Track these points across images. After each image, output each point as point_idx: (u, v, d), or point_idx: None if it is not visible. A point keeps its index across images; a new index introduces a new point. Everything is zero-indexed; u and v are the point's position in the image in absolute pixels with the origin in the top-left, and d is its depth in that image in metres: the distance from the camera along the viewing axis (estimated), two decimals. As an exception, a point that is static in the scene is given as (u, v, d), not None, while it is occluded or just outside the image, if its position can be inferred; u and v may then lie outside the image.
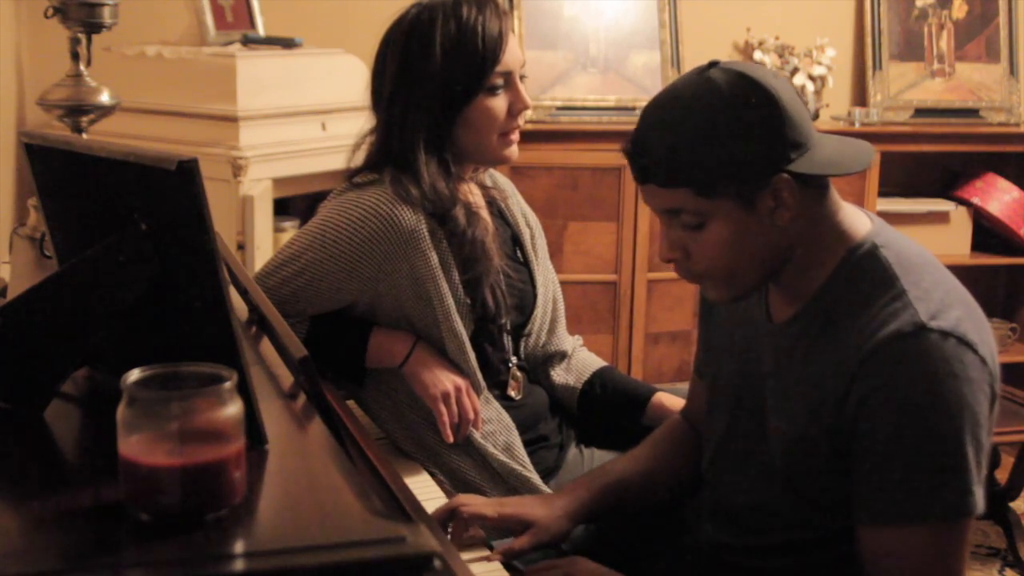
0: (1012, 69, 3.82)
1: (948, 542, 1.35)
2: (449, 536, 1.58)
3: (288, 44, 2.97)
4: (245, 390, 1.05)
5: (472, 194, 1.95)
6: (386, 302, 1.86)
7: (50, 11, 1.91)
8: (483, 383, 1.89)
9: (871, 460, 1.35)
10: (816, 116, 3.63)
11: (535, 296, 2.00)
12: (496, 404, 1.91)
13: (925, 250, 1.46)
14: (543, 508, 1.63)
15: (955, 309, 1.36)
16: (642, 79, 3.54)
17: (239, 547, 0.96)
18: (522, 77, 1.89)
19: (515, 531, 1.62)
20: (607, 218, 3.36)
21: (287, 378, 1.39)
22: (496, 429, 1.88)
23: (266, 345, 1.53)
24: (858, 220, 1.45)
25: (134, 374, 0.97)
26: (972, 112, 3.78)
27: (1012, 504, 3.10)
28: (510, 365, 1.97)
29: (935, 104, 3.77)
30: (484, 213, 1.94)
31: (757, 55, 3.65)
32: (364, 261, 1.81)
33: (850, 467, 1.38)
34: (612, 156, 3.33)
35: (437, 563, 0.92)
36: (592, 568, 1.53)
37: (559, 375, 2.07)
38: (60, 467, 1.13)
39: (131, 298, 1.16)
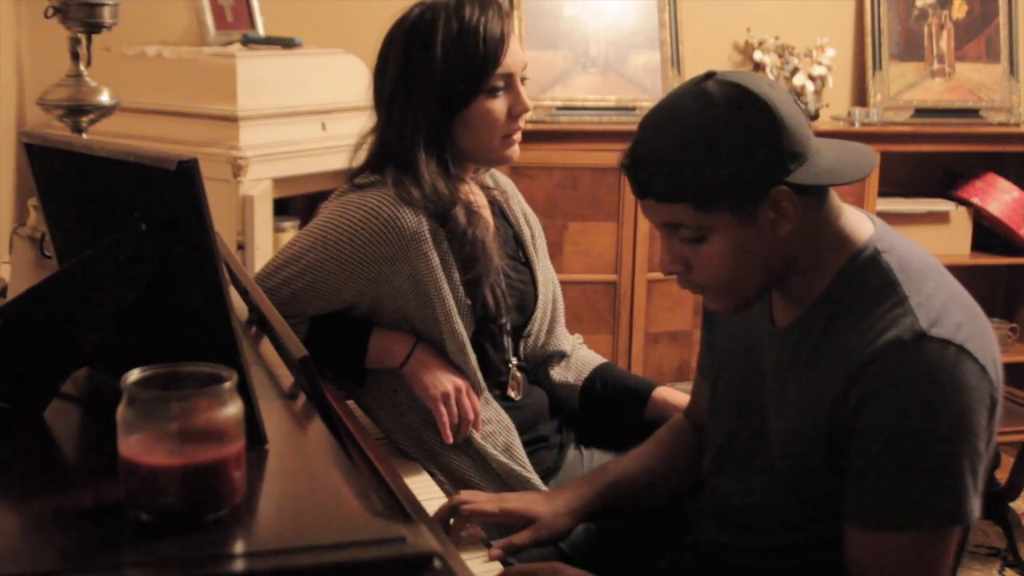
0: (1012, 69, 3.82)
1: (935, 549, 1.34)
2: (447, 533, 1.58)
3: (288, 44, 2.97)
4: (245, 390, 1.05)
5: (473, 194, 1.95)
6: (387, 303, 1.86)
7: (50, 11, 1.91)
8: (483, 384, 1.89)
9: (864, 464, 1.34)
10: (816, 116, 3.63)
11: (536, 296, 2.00)
12: (496, 405, 1.91)
13: (928, 254, 1.46)
14: (545, 505, 1.63)
15: (956, 316, 1.35)
16: (642, 79, 3.54)
17: (239, 547, 0.96)
18: (523, 79, 1.89)
19: (516, 528, 1.61)
20: (607, 218, 3.36)
21: (287, 378, 1.39)
22: (496, 430, 1.88)
23: (266, 345, 1.53)
24: (860, 224, 1.45)
25: (134, 374, 0.98)
26: (972, 112, 3.78)
27: (1012, 504, 3.10)
28: (510, 366, 1.97)
29: (935, 104, 3.77)
30: (485, 213, 1.94)
31: (757, 55, 3.65)
32: (365, 263, 1.81)
33: (843, 469, 1.38)
34: (612, 156, 3.28)
35: (437, 563, 0.92)
36: (573, 574, 1.52)
37: (559, 374, 2.07)
38: (60, 467, 1.13)
39: (131, 298, 1.16)
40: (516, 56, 1.86)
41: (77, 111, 1.92)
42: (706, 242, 1.39)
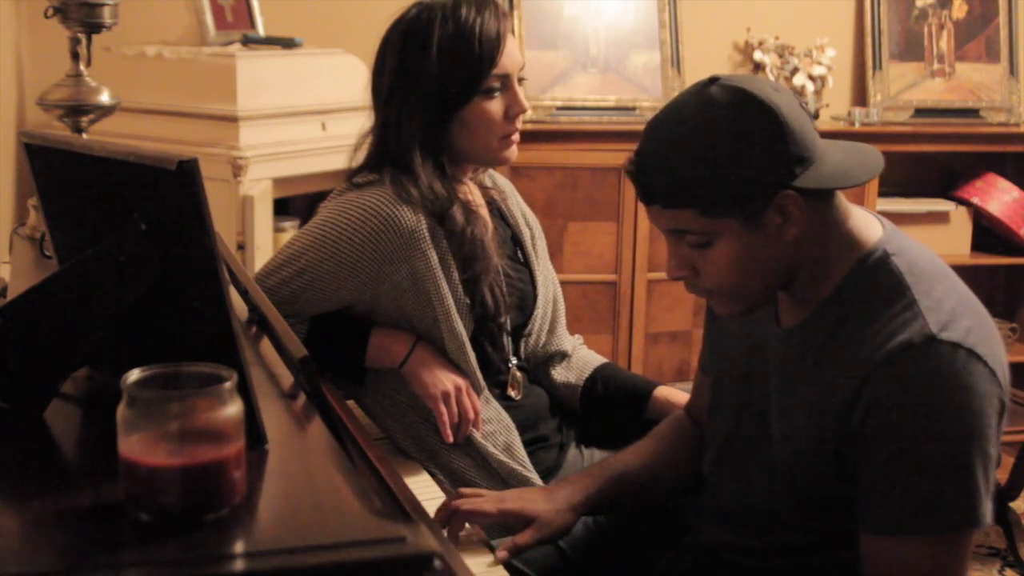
0: (1012, 69, 3.82)
1: (951, 553, 1.35)
2: (446, 533, 1.58)
3: (288, 44, 2.97)
4: (245, 390, 1.05)
5: (471, 194, 1.95)
6: (386, 302, 1.86)
7: (50, 11, 1.91)
8: (483, 383, 1.89)
9: (877, 469, 1.34)
10: (816, 116, 3.63)
11: (535, 296, 2.00)
12: (496, 404, 1.91)
13: (936, 257, 1.46)
14: (545, 502, 1.62)
15: (966, 319, 1.35)
16: (642, 79, 3.54)
17: (239, 547, 0.96)
18: (521, 80, 1.89)
19: (516, 527, 1.61)
20: (607, 218, 3.36)
21: (287, 378, 1.39)
22: (496, 429, 1.88)
23: (266, 345, 1.53)
24: (869, 226, 1.44)
25: (134, 374, 0.97)
26: (972, 112, 3.78)
27: (1012, 504, 3.10)
28: (510, 365, 1.97)
29: (935, 104, 3.77)
30: (483, 212, 1.94)
31: (757, 55, 3.65)
32: (364, 262, 1.81)
33: (856, 475, 1.38)
34: (612, 156, 3.33)
35: (437, 563, 0.92)
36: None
37: (560, 374, 2.07)
38: (60, 467, 1.13)
39: (131, 298, 1.16)
40: (513, 57, 1.86)
41: (77, 111, 1.92)
42: (712, 247, 1.38)
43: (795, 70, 3.62)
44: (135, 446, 0.95)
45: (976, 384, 1.31)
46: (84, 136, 1.93)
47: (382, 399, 1.91)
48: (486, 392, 1.90)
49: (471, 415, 1.85)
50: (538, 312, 2.01)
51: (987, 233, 3.77)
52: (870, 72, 3.76)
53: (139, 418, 0.95)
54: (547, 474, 1.92)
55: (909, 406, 1.32)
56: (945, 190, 3.80)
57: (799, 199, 1.35)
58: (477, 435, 1.86)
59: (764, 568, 1.53)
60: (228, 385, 0.97)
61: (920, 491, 1.32)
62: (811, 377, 1.42)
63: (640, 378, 2.11)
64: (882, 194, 3.56)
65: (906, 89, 3.77)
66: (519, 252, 2.02)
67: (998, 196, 3.70)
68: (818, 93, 3.64)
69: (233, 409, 0.97)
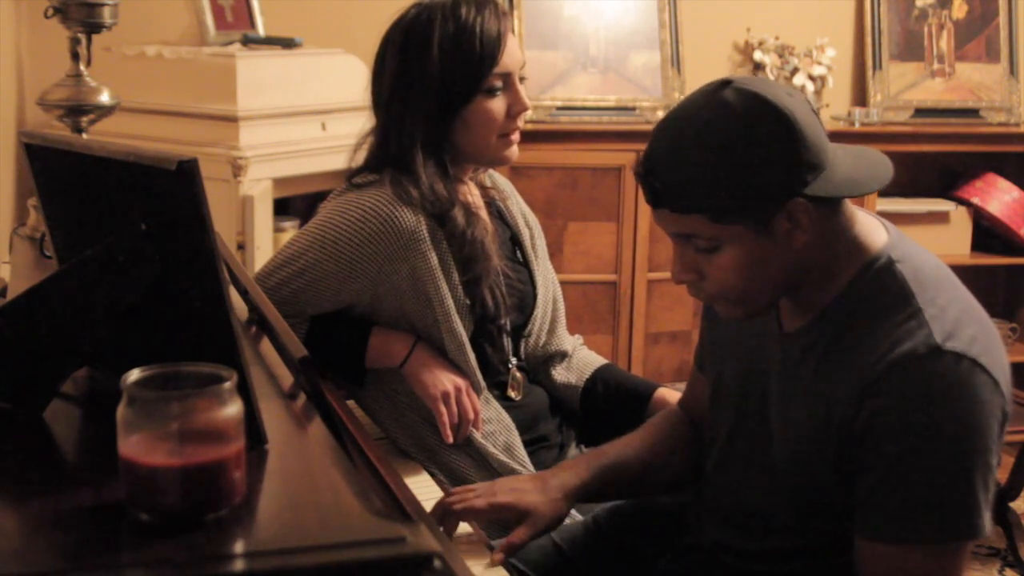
0: (1012, 69, 3.82)
1: (948, 563, 1.34)
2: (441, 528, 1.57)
3: (288, 44, 2.97)
4: (245, 390, 1.05)
5: (471, 195, 1.95)
6: (386, 303, 1.86)
7: (50, 11, 1.90)
8: (483, 383, 1.89)
9: (877, 477, 1.34)
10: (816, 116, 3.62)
11: (535, 296, 2.00)
12: (496, 404, 1.91)
13: (941, 263, 1.45)
14: (538, 493, 1.60)
15: (970, 328, 1.35)
16: (642, 79, 3.54)
17: (239, 547, 0.96)
18: (522, 79, 1.89)
19: (510, 520, 1.59)
20: (607, 218, 3.36)
21: (287, 378, 1.39)
22: (496, 429, 1.88)
23: (266, 345, 1.53)
24: (874, 232, 1.43)
25: (134, 374, 0.97)
26: (972, 112, 3.78)
27: (1012, 504, 3.10)
28: (510, 366, 1.97)
29: (935, 104, 3.77)
30: (483, 213, 1.94)
31: (757, 55, 3.65)
32: (364, 262, 1.81)
33: (855, 480, 1.38)
34: (612, 156, 3.33)
35: (437, 563, 0.92)
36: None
37: (560, 374, 2.07)
38: (60, 467, 1.13)
39: (131, 298, 1.16)
40: (514, 55, 1.86)
41: (77, 111, 1.92)
42: (720, 252, 1.37)
43: (795, 70, 3.62)
44: (135, 446, 0.95)
45: (980, 395, 1.31)
46: (84, 136, 1.93)
47: (382, 399, 1.91)
48: (486, 392, 1.90)
49: (471, 415, 1.85)
50: (538, 312, 2.00)
51: (987, 233, 3.77)
52: (870, 72, 3.76)
53: (139, 418, 0.95)
54: (547, 474, 1.92)
55: (912, 415, 1.31)
56: (945, 190, 3.80)
57: (809, 207, 1.34)
58: (477, 435, 1.86)
59: (763, 571, 1.53)
60: (228, 385, 0.97)
61: (920, 500, 1.32)
62: (812, 382, 1.42)
63: (640, 380, 2.11)
64: (882, 194, 3.56)
65: (906, 89, 3.77)
66: (518, 252, 2.02)
67: (998, 196, 3.70)
68: (818, 93, 3.64)
69: (233, 409, 0.97)
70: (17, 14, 3.02)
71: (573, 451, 2.02)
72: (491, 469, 1.86)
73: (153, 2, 3.11)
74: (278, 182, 2.76)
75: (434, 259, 1.82)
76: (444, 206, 1.83)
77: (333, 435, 1.21)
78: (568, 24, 3.51)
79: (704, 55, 3.64)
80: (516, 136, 1.90)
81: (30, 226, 1.93)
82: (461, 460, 1.87)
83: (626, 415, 2.03)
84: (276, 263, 1.86)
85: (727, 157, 1.32)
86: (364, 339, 1.87)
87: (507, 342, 1.96)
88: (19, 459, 1.11)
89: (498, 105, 1.85)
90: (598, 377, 2.06)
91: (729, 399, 1.58)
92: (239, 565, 0.93)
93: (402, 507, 1.25)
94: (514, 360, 1.98)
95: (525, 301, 1.98)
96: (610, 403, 2.04)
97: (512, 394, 1.96)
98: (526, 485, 1.63)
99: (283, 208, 2.94)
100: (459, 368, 1.87)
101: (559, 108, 3.44)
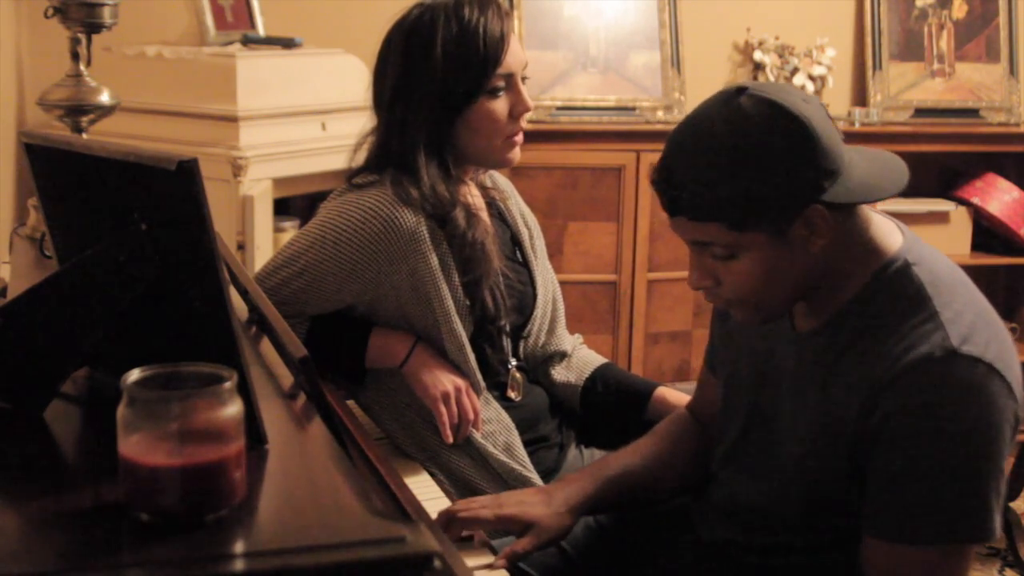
0: (1012, 69, 3.81)
1: (955, 565, 1.35)
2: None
3: (288, 44, 2.97)
4: (245, 390, 1.05)
5: (472, 195, 1.95)
6: (386, 303, 1.86)
7: (50, 11, 1.90)
8: (482, 384, 1.89)
9: (888, 476, 1.34)
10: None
11: (535, 297, 2.00)
12: (496, 404, 1.91)
13: (955, 266, 1.45)
14: (543, 506, 1.61)
15: (985, 332, 1.36)
16: (642, 79, 3.54)
17: (239, 547, 0.96)
18: (524, 79, 1.89)
19: (516, 532, 1.60)
20: (607, 218, 3.36)
21: (287, 378, 1.39)
22: (496, 429, 1.88)
23: (266, 345, 1.53)
24: (890, 234, 1.44)
25: (134, 374, 0.97)
26: (972, 112, 3.78)
27: (1012, 504, 3.10)
28: (509, 366, 1.97)
29: (935, 104, 3.77)
30: (484, 215, 1.94)
31: (757, 55, 3.65)
32: (364, 262, 1.81)
33: (865, 480, 1.38)
34: (612, 156, 3.33)
35: (437, 563, 0.92)
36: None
37: (560, 374, 2.07)
38: (60, 467, 1.13)
39: (131, 298, 1.16)
40: (516, 55, 1.86)
41: (77, 111, 1.92)
42: (737, 259, 1.37)
43: (795, 70, 3.62)
44: (135, 446, 0.95)
45: (994, 399, 1.32)
46: (84, 136, 1.93)
47: (382, 399, 1.91)
48: (486, 393, 1.90)
49: (471, 415, 1.85)
50: (537, 313, 2.00)
51: (987, 233, 3.77)
52: (870, 72, 3.76)
53: (139, 418, 0.95)
54: (547, 474, 1.92)
55: (927, 417, 1.31)
56: (945, 190, 3.79)
57: (826, 212, 1.34)
58: (477, 435, 1.86)
59: (768, 566, 1.53)
60: (228, 385, 0.97)
61: (932, 501, 1.32)
62: (826, 383, 1.42)
63: (640, 379, 2.11)
64: (882, 194, 3.55)
65: (906, 89, 3.77)
66: (518, 252, 2.02)
67: (998, 196, 3.70)
68: (818, 93, 3.64)
69: (233, 409, 0.97)
70: (17, 14, 3.02)
71: (573, 451, 2.02)
72: (491, 469, 1.86)
73: (153, 2, 3.11)
74: (278, 182, 2.75)
75: (434, 260, 1.82)
76: (445, 207, 1.83)
77: (333, 435, 1.21)
78: (568, 24, 3.51)
79: (704, 55, 3.64)
80: (519, 138, 1.90)
81: (30, 226, 1.93)
82: (461, 460, 1.87)
83: (626, 414, 2.03)
84: (276, 263, 1.86)
85: (745, 166, 1.32)
86: (364, 339, 1.87)
87: (507, 343, 1.96)
88: (19, 459, 1.11)
89: (501, 106, 1.85)
90: (598, 376, 2.06)
91: (741, 399, 1.58)
92: (239, 565, 0.93)
93: (402, 507, 1.25)
94: (514, 360, 1.98)
95: (525, 302, 1.98)
96: (610, 402, 2.04)
97: (512, 394, 1.96)
98: (532, 498, 1.63)
99: (283, 208, 2.94)
100: (459, 368, 1.87)
101: (559, 108, 3.44)
